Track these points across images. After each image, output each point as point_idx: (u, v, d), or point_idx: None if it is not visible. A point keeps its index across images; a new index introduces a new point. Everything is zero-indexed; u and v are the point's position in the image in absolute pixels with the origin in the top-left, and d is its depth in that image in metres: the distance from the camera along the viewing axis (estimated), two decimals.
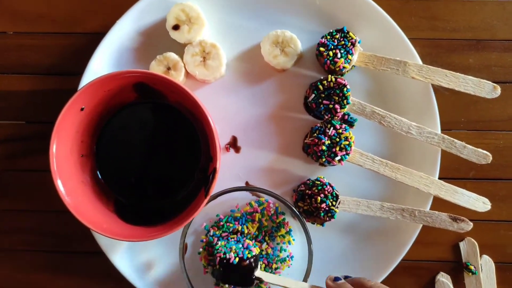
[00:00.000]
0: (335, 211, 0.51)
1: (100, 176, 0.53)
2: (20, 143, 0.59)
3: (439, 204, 0.54)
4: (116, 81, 0.48)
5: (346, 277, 0.45)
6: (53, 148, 0.47)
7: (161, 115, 0.53)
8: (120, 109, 0.53)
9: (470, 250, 0.56)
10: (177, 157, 0.53)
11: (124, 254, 0.55)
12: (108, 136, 0.53)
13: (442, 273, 0.56)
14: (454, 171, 0.57)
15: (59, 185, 0.48)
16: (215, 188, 0.52)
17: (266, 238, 0.55)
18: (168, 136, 0.53)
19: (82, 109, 0.49)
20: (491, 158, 0.53)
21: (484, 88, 0.53)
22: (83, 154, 0.52)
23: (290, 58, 0.53)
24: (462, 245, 0.56)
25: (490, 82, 0.53)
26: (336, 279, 0.44)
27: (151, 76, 0.47)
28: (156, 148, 0.53)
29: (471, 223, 0.53)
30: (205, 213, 0.55)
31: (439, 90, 0.56)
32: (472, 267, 0.55)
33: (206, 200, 0.47)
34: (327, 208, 0.51)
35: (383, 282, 0.54)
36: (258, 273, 0.49)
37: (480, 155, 0.53)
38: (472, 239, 0.56)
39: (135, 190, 0.54)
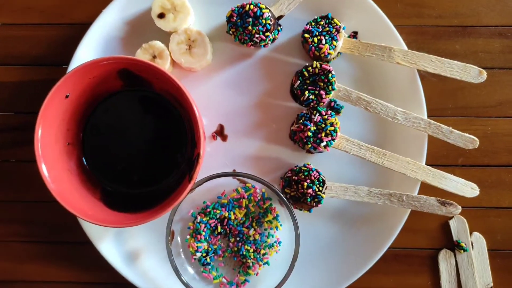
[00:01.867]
0: (322, 197, 0.51)
1: (86, 164, 0.53)
2: (8, 134, 0.59)
3: (427, 191, 0.53)
4: (100, 68, 0.48)
5: None
6: (38, 134, 0.47)
7: (147, 103, 0.54)
8: (106, 98, 0.53)
9: (460, 228, 0.56)
10: (163, 144, 0.53)
11: (111, 243, 0.55)
12: (94, 124, 0.54)
13: (445, 249, 0.56)
14: (443, 158, 0.57)
15: (44, 170, 0.48)
16: (202, 175, 0.52)
17: (254, 224, 0.54)
18: (154, 124, 0.53)
19: (67, 97, 0.49)
20: (478, 142, 0.52)
21: (470, 73, 0.53)
22: (69, 142, 0.52)
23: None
24: (452, 223, 0.56)
25: (475, 67, 0.52)
26: None
27: (134, 62, 0.47)
28: (142, 136, 0.53)
29: (460, 207, 0.52)
30: (192, 200, 0.55)
31: (425, 77, 0.56)
32: (463, 244, 0.55)
33: (190, 185, 0.47)
34: (313, 194, 0.51)
35: (372, 268, 0.54)
36: None
37: (467, 140, 0.52)
38: (462, 217, 0.56)
39: (121, 178, 0.54)
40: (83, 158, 0.53)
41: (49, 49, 0.59)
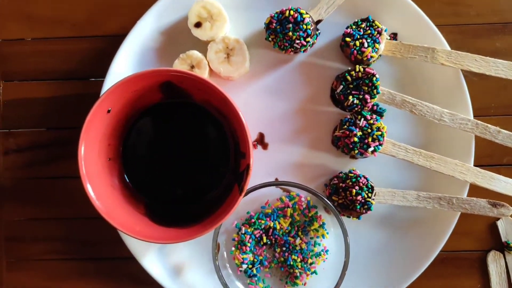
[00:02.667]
0: (372, 203, 0.50)
1: (127, 179, 0.52)
2: (41, 150, 0.58)
3: (474, 192, 0.53)
4: (143, 81, 0.47)
5: None
6: (81, 151, 0.46)
7: (187, 114, 0.53)
8: (145, 111, 0.52)
9: (509, 228, 0.55)
10: (206, 156, 0.52)
11: (155, 257, 0.54)
12: (134, 138, 0.53)
13: (494, 251, 0.55)
14: (487, 157, 0.56)
15: (89, 189, 0.47)
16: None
17: (299, 233, 0.53)
18: (195, 135, 0.52)
19: (108, 111, 0.48)
20: None
21: None
22: (110, 157, 0.51)
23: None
24: (500, 223, 0.55)
25: None
26: None
27: (179, 74, 0.46)
28: (184, 149, 0.52)
29: (511, 208, 0.51)
30: (235, 212, 0.53)
31: (467, 76, 0.55)
32: None
33: (241, 197, 0.46)
34: (363, 201, 0.50)
35: (422, 274, 0.53)
36: None
37: None
38: (510, 217, 0.55)
39: (164, 192, 0.53)
40: (125, 174, 0.52)
41: (81, 63, 0.58)
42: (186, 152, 0.52)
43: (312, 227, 0.54)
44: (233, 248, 0.54)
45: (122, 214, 0.49)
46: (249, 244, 0.53)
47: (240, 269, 0.53)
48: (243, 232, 0.53)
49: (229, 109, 0.47)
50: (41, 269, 0.58)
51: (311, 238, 0.54)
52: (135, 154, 0.52)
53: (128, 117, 0.51)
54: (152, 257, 0.54)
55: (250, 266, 0.53)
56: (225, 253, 0.55)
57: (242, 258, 0.53)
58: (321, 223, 0.54)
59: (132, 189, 0.52)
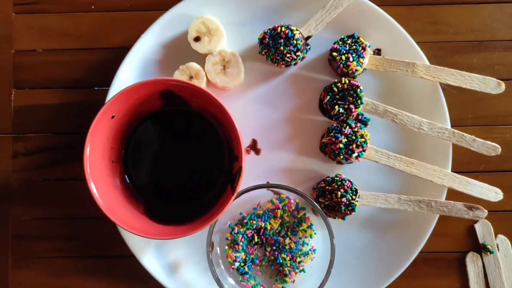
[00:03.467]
0: (356, 205, 0.54)
1: (128, 181, 0.56)
2: (48, 153, 0.62)
3: (452, 196, 0.56)
4: (146, 89, 0.51)
5: None
6: (87, 152, 0.50)
7: (184, 120, 0.57)
8: (146, 117, 0.56)
9: (486, 231, 0.58)
10: (202, 160, 0.56)
11: (153, 256, 0.58)
12: (135, 142, 0.56)
13: (472, 252, 0.59)
14: (465, 165, 0.60)
15: (93, 188, 0.50)
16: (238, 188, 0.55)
17: (289, 233, 0.57)
18: (192, 140, 0.56)
19: (112, 117, 0.52)
20: (500, 149, 0.55)
21: (489, 85, 0.56)
22: (113, 160, 0.55)
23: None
24: (477, 226, 0.59)
25: (494, 79, 0.56)
26: None
27: (179, 83, 0.51)
28: (181, 152, 0.56)
29: (486, 211, 0.55)
30: (229, 212, 0.57)
31: (446, 89, 0.59)
32: (489, 247, 0.58)
33: (233, 197, 0.50)
34: (347, 202, 0.54)
35: (402, 273, 0.56)
36: None
37: (490, 147, 0.56)
38: (486, 220, 0.59)
39: (162, 193, 0.56)
40: (126, 175, 0.56)
41: (87, 73, 0.62)
42: (183, 156, 0.56)
43: (301, 228, 0.57)
44: (226, 247, 0.57)
45: (123, 212, 0.52)
46: (241, 243, 0.57)
47: (233, 266, 0.57)
48: (236, 231, 0.57)
49: (224, 116, 0.51)
50: (45, 266, 0.61)
51: (300, 238, 0.58)
52: (136, 157, 0.56)
53: (130, 123, 0.55)
54: (150, 256, 0.57)
55: (242, 264, 0.57)
56: (218, 251, 0.58)
57: (235, 256, 0.56)
58: (309, 224, 0.57)
59: (133, 189, 0.56)
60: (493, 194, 0.56)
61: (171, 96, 0.54)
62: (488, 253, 0.58)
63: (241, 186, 0.55)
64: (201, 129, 0.56)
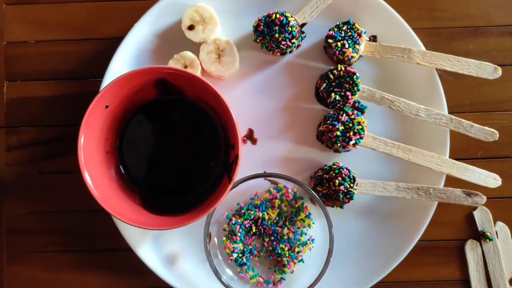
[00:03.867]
0: (354, 193, 0.53)
1: (123, 172, 0.55)
2: (42, 146, 0.61)
3: (450, 183, 0.56)
4: (140, 78, 0.50)
5: None
6: (81, 142, 0.49)
7: (180, 110, 0.56)
8: (141, 107, 0.56)
9: (485, 218, 0.58)
10: (198, 149, 0.56)
11: (150, 247, 0.57)
12: (130, 133, 0.56)
13: (471, 240, 0.59)
14: (463, 152, 0.60)
15: (87, 178, 0.49)
16: (235, 178, 0.54)
17: (287, 223, 0.56)
18: (188, 130, 0.56)
19: (106, 107, 0.51)
20: (498, 135, 0.55)
21: (486, 70, 0.56)
22: (108, 151, 0.54)
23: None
24: (476, 213, 0.58)
25: (491, 64, 0.55)
26: None
27: (174, 71, 0.50)
28: (177, 143, 0.56)
29: (485, 197, 0.55)
30: (226, 203, 0.57)
31: (442, 76, 0.59)
32: (488, 234, 0.57)
33: (230, 186, 0.49)
34: (345, 190, 0.53)
35: (403, 262, 0.56)
36: None
37: (487, 133, 0.55)
38: (485, 208, 0.58)
39: (158, 184, 0.56)
40: (121, 166, 0.55)
41: (80, 64, 0.61)
42: (179, 146, 0.56)
43: (299, 217, 0.57)
44: (224, 238, 0.57)
45: (119, 203, 0.52)
46: (239, 234, 0.56)
47: (231, 258, 0.56)
48: (234, 222, 0.56)
49: (219, 105, 0.51)
50: (40, 261, 0.60)
51: (298, 228, 0.57)
52: (131, 148, 0.56)
53: (125, 113, 0.55)
54: (147, 248, 0.57)
55: (240, 255, 0.56)
56: (216, 242, 0.57)
57: (233, 247, 0.56)
58: (307, 214, 0.57)
59: (128, 181, 0.55)
60: (492, 180, 0.55)
61: (166, 85, 0.53)
62: (487, 240, 0.58)
63: (237, 176, 0.55)
64: (197, 119, 0.56)
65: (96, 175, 0.51)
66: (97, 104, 0.49)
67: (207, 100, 0.53)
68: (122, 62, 0.57)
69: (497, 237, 0.58)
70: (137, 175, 0.56)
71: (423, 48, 0.57)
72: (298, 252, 0.56)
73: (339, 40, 0.55)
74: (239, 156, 0.50)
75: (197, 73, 0.56)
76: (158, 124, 0.56)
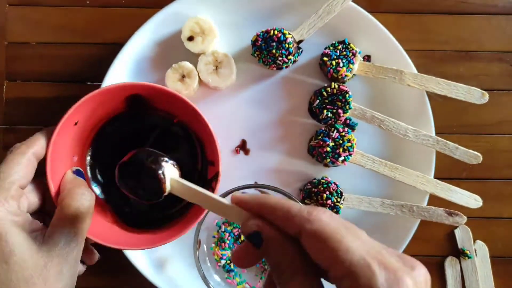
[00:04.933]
0: (340, 207, 0.55)
1: (98, 194, 0.53)
2: None
3: (435, 203, 0.58)
4: (113, 94, 0.48)
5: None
6: (49, 159, 0.46)
7: (151, 123, 0.54)
8: (108, 121, 0.53)
9: (465, 236, 0.60)
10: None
11: (140, 250, 0.58)
12: (98, 148, 0.53)
13: (451, 256, 0.61)
14: (448, 172, 0.62)
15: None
16: (226, 187, 0.56)
17: None
18: (162, 144, 0.53)
19: (75, 124, 0.49)
20: (481, 158, 0.57)
21: (474, 95, 0.58)
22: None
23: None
24: (457, 232, 0.61)
25: (478, 89, 0.57)
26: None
27: (150, 88, 0.48)
28: None
29: (465, 217, 0.57)
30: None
31: (433, 97, 0.60)
32: (467, 252, 0.60)
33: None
34: (332, 204, 0.55)
35: None
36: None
37: (471, 156, 0.57)
38: (466, 226, 0.60)
39: (133, 203, 0.53)
40: (92, 184, 0.53)
41: (80, 67, 0.62)
42: None
43: None
44: (213, 245, 0.58)
45: (96, 225, 0.49)
46: (228, 241, 0.58)
47: (219, 264, 0.58)
48: (223, 230, 0.58)
49: (198, 121, 0.48)
50: None
51: None
52: (100, 163, 0.53)
53: (92, 128, 0.52)
54: (137, 251, 0.58)
55: (228, 261, 0.58)
56: (205, 248, 0.59)
57: (221, 254, 0.58)
58: None
59: (101, 200, 0.53)
60: (473, 201, 0.58)
61: (138, 100, 0.51)
62: (466, 258, 0.60)
63: (230, 185, 0.56)
64: (171, 133, 0.53)
65: None
66: (67, 122, 0.47)
67: (183, 115, 0.52)
68: (121, 68, 0.59)
69: (476, 255, 0.60)
70: (110, 192, 0.53)
71: (415, 71, 0.59)
72: None
73: (334, 59, 0.57)
74: (219, 173, 0.49)
75: (195, 83, 0.58)
76: (129, 138, 0.53)
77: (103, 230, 0.50)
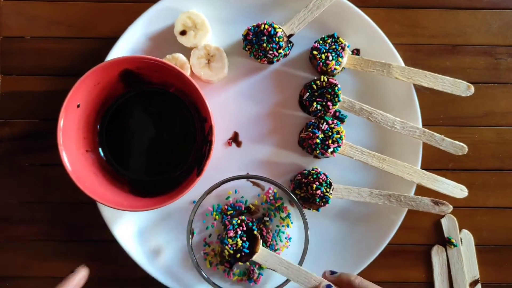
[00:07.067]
0: (329, 197, 0.57)
1: (108, 165, 0.59)
2: (34, 139, 0.63)
3: (422, 192, 0.60)
4: (104, 72, 0.53)
5: (332, 273, 0.53)
6: (60, 141, 0.52)
7: (152, 100, 0.59)
8: (112, 102, 0.59)
9: (451, 225, 0.62)
10: (174, 136, 0.59)
11: (135, 240, 0.60)
12: (107, 129, 0.59)
13: (437, 245, 0.63)
14: (435, 163, 0.63)
15: (74, 178, 0.52)
16: (218, 179, 0.57)
17: (267, 223, 0.60)
18: (161, 116, 0.59)
19: (78, 106, 0.54)
20: (467, 149, 0.59)
21: (460, 87, 0.59)
22: (88, 149, 0.57)
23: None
24: (443, 221, 0.62)
25: (464, 82, 0.59)
26: (333, 273, 0.52)
27: (134, 59, 0.53)
28: (153, 131, 0.59)
29: (451, 206, 0.59)
30: (209, 202, 0.60)
31: (420, 90, 0.62)
32: (453, 241, 0.61)
33: (211, 152, 0.53)
34: (322, 195, 0.57)
35: (372, 263, 0.60)
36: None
37: (457, 147, 0.59)
38: (452, 216, 0.62)
39: (142, 172, 0.60)
40: (104, 159, 0.59)
41: (75, 61, 0.63)
42: (155, 133, 0.59)
43: (280, 216, 0.60)
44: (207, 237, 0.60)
45: (108, 193, 0.55)
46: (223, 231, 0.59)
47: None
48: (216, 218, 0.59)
49: (185, 84, 0.54)
50: (28, 249, 0.62)
51: (277, 226, 0.60)
52: (111, 142, 0.59)
53: (97, 110, 0.58)
54: (132, 241, 0.60)
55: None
56: (199, 238, 0.60)
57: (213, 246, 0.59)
58: (287, 213, 0.60)
59: (113, 173, 0.59)
60: (459, 191, 0.59)
61: (131, 76, 0.56)
62: (452, 246, 0.62)
63: (222, 177, 0.58)
64: (170, 106, 0.59)
65: (83, 172, 0.54)
66: (69, 104, 0.52)
67: (173, 82, 0.57)
68: None
69: (462, 243, 0.62)
70: (121, 166, 0.59)
71: (402, 64, 0.60)
72: (276, 250, 0.60)
73: (323, 53, 0.58)
74: (212, 126, 0.53)
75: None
76: (132, 116, 0.59)
77: (119, 196, 0.56)
